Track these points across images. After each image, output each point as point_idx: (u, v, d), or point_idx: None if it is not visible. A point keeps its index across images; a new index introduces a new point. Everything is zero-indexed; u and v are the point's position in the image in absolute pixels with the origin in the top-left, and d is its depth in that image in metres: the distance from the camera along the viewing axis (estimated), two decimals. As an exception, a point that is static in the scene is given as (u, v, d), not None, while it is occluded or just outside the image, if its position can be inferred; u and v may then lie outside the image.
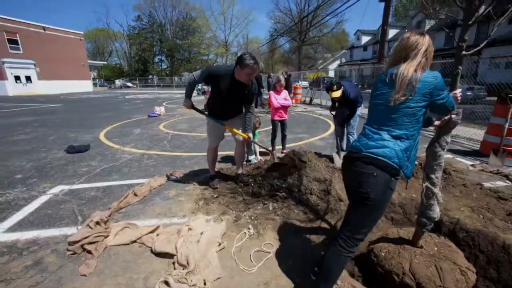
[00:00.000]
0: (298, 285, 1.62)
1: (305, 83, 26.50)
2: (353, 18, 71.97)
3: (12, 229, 2.35)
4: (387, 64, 1.51)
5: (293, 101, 12.19)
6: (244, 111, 2.97)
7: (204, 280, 1.65)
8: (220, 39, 34.38)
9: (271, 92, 4.27)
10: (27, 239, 2.19)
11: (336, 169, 3.25)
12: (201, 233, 2.06)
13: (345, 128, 3.94)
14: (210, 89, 2.89)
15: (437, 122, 1.78)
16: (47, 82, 25.07)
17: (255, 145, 3.99)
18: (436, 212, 1.88)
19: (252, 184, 2.91)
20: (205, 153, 3.19)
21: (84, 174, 3.72)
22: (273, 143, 4.44)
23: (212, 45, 39.14)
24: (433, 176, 1.81)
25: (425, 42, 1.32)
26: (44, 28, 24.59)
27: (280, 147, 4.58)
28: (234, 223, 2.33)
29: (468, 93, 12.98)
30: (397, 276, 1.83)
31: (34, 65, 23.87)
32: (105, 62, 44.92)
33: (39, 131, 6.89)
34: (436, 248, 2.00)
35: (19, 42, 22.60)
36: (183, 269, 1.74)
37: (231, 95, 2.69)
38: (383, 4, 11.37)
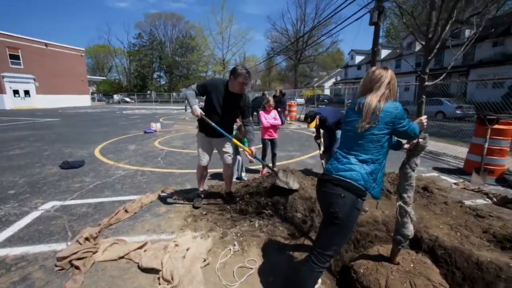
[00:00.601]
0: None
1: (301, 100, 27.06)
2: (347, 38, 74.75)
3: (1, 245, 2.40)
4: (357, 95, 1.68)
5: (288, 118, 12.45)
6: (243, 126, 3.11)
7: (187, 296, 1.71)
8: (218, 57, 35.43)
9: (261, 112, 4.46)
10: (15, 255, 2.23)
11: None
12: (187, 249, 2.13)
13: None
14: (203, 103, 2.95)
15: (406, 146, 1.95)
16: (46, 97, 25.31)
17: (240, 163, 4.14)
18: (410, 229, 1.99)
19: (240, 202, 2.99)
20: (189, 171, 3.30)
21: (77, 190, 3.78)
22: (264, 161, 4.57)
23: (210, 62, 40.25)
24: (405, 195, 1.95)
25: (388, 76, 1.50)
26: (46, 45, 25.20)
27: (270, 164, 4.70)
28: (221, 240, 2.40)
29: (458, 112, 13.42)
30: (374, 292, 1.90)
31: (34, 79, 24.22)
32: (104, 78, 45.63)
33: (34, 146, 6.95)
34: (412, 265, 2.09)
35: (21, 58, 23.07)
36: (168, 284, 1.80)
37: (225, 106, 2.79)
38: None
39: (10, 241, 2.45)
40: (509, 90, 15.72)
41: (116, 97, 41.56)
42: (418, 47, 25.01)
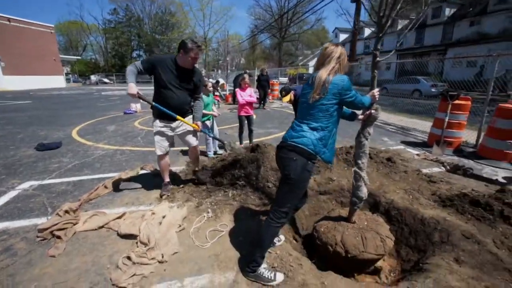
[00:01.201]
0: (244, 255, 1.92)
1: (285, 79, 26.96)
2: (331, 16, 73.38)
3: (-20, 221, 2.46)
4: (314, 69, 1.82)
5: (270, 97, 12.49)
6: (192, 105, 2.88)
7: (162, 254, 1.90)
8: (199, 35, 33.94)
9: (237, 89, 4.53)
10: (-4, 230, 2.31)
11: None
12: (163, 217, 2.31)
13: None
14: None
15: (360, 116, 2.14)
16: (15, 78, 23.64)
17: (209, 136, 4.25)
18: (364, 192, 2.24)
19: (216, 175, 3.16)
20: (177, 148, 3.29)
21: (55, 170, 3.81)
22: (240, 138, 4.73)
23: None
24: (359, 161, 2.18)
25: (337, 51, 1.65)
26: (9, 20, 23.10)
27: (248, 141, 4.86)
28: (196, 208, 2.59)
29: (433, 90, 13.99)
30: (331, 246, 2.17)
31: (-1, 59, 22.44)
32: (79, 57, 42.85)
33: (6, 129, 6.70)
34: (366, 223, 2.38)
35: (-19, 35, 21.12)
36: (145, 246, 1.98)
37: (177, 83, 2.59)
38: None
39: (-11, 218, 2.52)
40: (480, 69, 16.45)
41: (93, 77, 39.43)
42: (400, 25, 25.20)
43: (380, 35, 2.07)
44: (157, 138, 2.79)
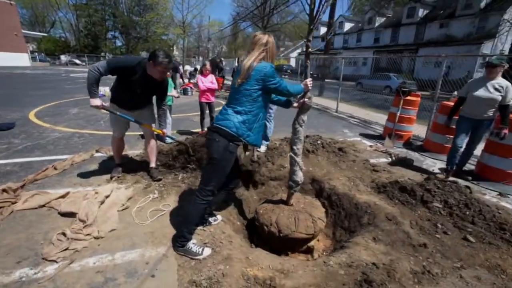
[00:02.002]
0: (179, 232, 2.02)
1: None
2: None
3: None
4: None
5: None
6: (157, 108, 2.85)
7: (98, 231, 1.96)
8: (178, 19, 32.57)
9: (199, 75, 4.55)
10: None
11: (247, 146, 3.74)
12: (107, 196, 2.35)
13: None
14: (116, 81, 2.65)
15: (295, 104, 2.29)
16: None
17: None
18: (299, 176, 2.41)
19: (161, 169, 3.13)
20: (136, 133, 3.20)
21: (3, 151, 3.65)
22: (202, 124, 4.78)
23: (170, 24, 36.91)
24: (294, 147, 2.33)
25: (264, 39, 1.75)
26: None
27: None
28: (143, 190, 2.65)
29: (402, 88, 14.77)
30: (267, 226, 2.34)
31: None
32: (45, 34, 39.63)
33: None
34: (302, 206, 2.57)
35: None
36: (83, 224, 2.02)
37: (142, 90, 2.57)
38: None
39: None
40: (447, 69, 17.54)
41: (63, 58, 36.77)
42: (378, 22, 25.93)
43: (312, 26, 2.20)
44: (113, 121, 2.79)
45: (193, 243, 1.85)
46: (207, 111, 4.70)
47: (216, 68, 10.37)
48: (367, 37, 27.09)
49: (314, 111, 8.34)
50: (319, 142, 4.04)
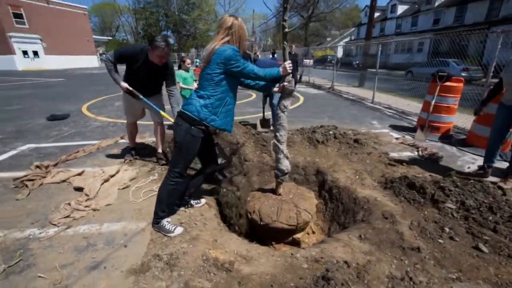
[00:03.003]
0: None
1: (310, 61, 25.65)
2: (369, -8, 67.14)
3: (-22, 171, 3.01)
4: None
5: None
6: (168, 94, 2.90)
7: (96, 204, 2.23)
8: (221, 14, 33.46)
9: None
10: (-14, 178, 2.83)
11: (255, 134, 3.74)
12: (112, 176, 2.64)
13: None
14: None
15: (275, 89, 2.20)
16: (55, 57, 25.80)
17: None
18: (285, 165, 2.34)
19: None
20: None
21: (53, 136, 4.36)
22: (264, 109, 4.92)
23: (212, 20, 38.12)
24: (277, 134, 2.27)
25: (229, 22, 1.72)
26: (47, 2, 24.89)
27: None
28: (147, 172, 2.90)
29: (463, 74, 12.68)
30: (250, 214, 2.36)
31: (41, 39, 24.52)
32: (110, 38, 45.03)
33: (32, 102, 7.57)
34: (291, 196, 2.50)
35: (24, 16, 23.13)
36: (86, 197, 2.33)
37: (145, 75, 2.70)
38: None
39: (-15, 169, 3.07)
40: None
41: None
42: (437, 2, 22.64)
43: (285, 5, 2.06)
44: (126, 109, 3.05)
45: (167, 221, 1.97)
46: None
47: (248, 60, 10.66)
48: (424, 19, 23.89)
49: (345, 102, 7.83)
50: (331, 132, 3.82)
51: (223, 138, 3.41)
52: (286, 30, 2.09)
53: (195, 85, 4.54)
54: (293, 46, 7.79)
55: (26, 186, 2.58)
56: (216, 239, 1.93)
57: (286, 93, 2.15)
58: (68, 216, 2.10)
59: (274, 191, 2.54)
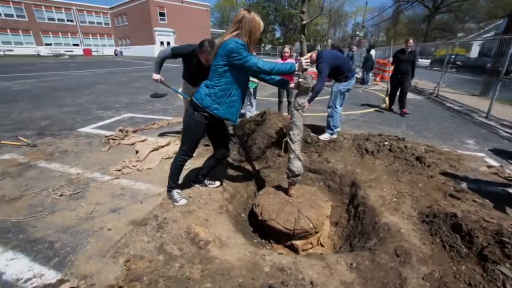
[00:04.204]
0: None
1: (425, 62, 21.38)
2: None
3: (92, 127, 4.24)
4: None
5: (373, 78, 10.94)
6: None
7: (142, 166, 2.80)
8: (326, 8, 31.91)
9: (278, 59, 4.66)
10: (92, 133, 3.96)
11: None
12: (161, 146, 3.21)
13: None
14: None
15: (292, 85, 2.11)
16: (182, 47, 31.58)
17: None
18: (296, 166, 2.25)
19: None
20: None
21: (147, 110, 5.54)
22: (279, 107, 4.94)
23: (315, 13, 36.82)
24: (290, 132, 2.19)
25: (240, 16, 1.76)
26: (182, 1, 30.43)
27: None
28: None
29: None
30: (254, 206, 2.39)
31: (173, 32, 30.43)
32: (224, 30, 50.75)
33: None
34: (301, 200, 2.38)
35: (165, 14, 29.20)
36: (137, 159, 2.95)
37: (197, 70, 3.00)
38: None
39: (97, 127, 4.27)
40: None
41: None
42: None
43: None
44: (184, 89, 3.44)
45: (177, 192, 2.27)
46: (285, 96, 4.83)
47: (340, 52, 10.16)
48: None
49: (444, 112, 6.29)
50: (386, 143, 3.26)
51: (264, 130, 3.49)
52: (304, 22, 1.94)
53: (301, 77, 4.74)
54: (411, 40, 5.58)
55: (108, 142, 3.47)
56: (208, 219, 2.10)
57: (301, 90, 2.03)
58: (119, 170, 2.74)
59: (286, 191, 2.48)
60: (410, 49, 5.73)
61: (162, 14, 29.15)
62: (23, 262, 1.62)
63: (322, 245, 2.42)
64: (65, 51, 30.16)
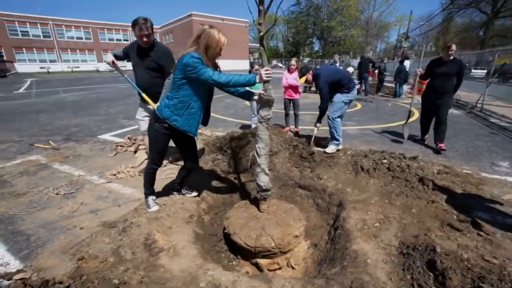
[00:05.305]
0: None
1: (481, 72, 18.84)
2: None
3: (111, 134, 4.68)
4: None
5: (406, 90, 10.06)
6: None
7: (134, 172, 3.01)
8: (364, 18, 30.53)
9: (285, 71, 4.63)
10: (110, 140, 4.38)
11: (297, 145, 3.52)
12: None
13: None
14: None
15: (255, 97, 2.10)
16: (223, 61, 33.22)
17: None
18: (262, 181, 2.20)
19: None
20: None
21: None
22: (286, 120, 4.86)
23: (352, 25, 35.58)
24: (256, 146, 2.16)
25: (200, 32, 1.86)
26: (222, 19, 32.37)
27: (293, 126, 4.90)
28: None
29: None
30: (225, 219, 2.36)
31: (214, 48, 32.38)
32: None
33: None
34: (270, 216, 2.31)
35: (207, 31, 31.35)
36: (131, 165, 3.17)
37: (139, 64, 2.66)
38: None
39: (115, 135, 4.71)
40: None
41: (274, 62, 47.24)
42: None
43: (260, 7, 1.82)
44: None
45: (152, 198, 2.37)
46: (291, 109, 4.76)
47: (370, 63, 10.00)
48: None
49: (483, 129, 5.47)
50: (385, 161, 2.97)
51: (251, 142, 3.47)
52: (262, 33, 1.94)
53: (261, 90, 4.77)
54: (453, 46, 3.80)
55: (116, 149, 3.80)
56: (172, 227, 2.15)
57: (263, 102, 2.01)
58: (114, 175, 2.98)
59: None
60: (451, 58, 3.96)
61: (203, 31, 31.40)
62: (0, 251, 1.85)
63: (293, 267, 2.28)
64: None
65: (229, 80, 1.85)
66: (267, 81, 1.94)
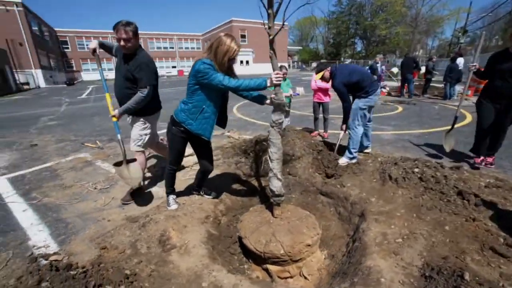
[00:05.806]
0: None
1: None
2: None
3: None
4: None
5: (469, 91, 8.84)
6: None
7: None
8: (411, 13, 27.68)
9: (314, 74, 4.48)
10: (147, 140, 4.76)
11: (322, 150, 3.40)
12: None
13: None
14: None
15: (267, 101, 2.09)
16: (259, 65, 33.88)
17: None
18: (275, 186, 2.18)
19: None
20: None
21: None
22: (315, 124, 4.71)
23: (398, 23, 32.70)
24: (269, 150, 2.15)
25: (212, 41, 1.93)
26: (263, 23, 32.74)
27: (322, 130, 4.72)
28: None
29: None
30: (239, 222, 2.40)
31: (252, 52, 33.00)
32: (300, 47, 51.46)
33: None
34: (282, 222, 2.28)
35: (246, 36, 32.11)
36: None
37: (118, 69, 2.44)
38: None
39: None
40: None
41: (313, 64, 46.36)
42: None
43: (269, 10, 1.77)
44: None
45: (172, 197, 2.51)
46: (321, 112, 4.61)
47: (414, 63, 9.15)
48: None
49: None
50: (417, 170, 2.69)
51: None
52: (271, 37, 1.91)
53: (290, 91, 4.70)
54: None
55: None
56: (187, 226, 2.25)
57: (275, 106, 1.99)
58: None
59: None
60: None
61: (243, 36, 32.28)
62: (44, 234, 2.15)
63: (305, 277, 2.20)
64: (166, 72, 37.14)
65: (239, 84, 1.89)
66: (278, 85, 1.92)
